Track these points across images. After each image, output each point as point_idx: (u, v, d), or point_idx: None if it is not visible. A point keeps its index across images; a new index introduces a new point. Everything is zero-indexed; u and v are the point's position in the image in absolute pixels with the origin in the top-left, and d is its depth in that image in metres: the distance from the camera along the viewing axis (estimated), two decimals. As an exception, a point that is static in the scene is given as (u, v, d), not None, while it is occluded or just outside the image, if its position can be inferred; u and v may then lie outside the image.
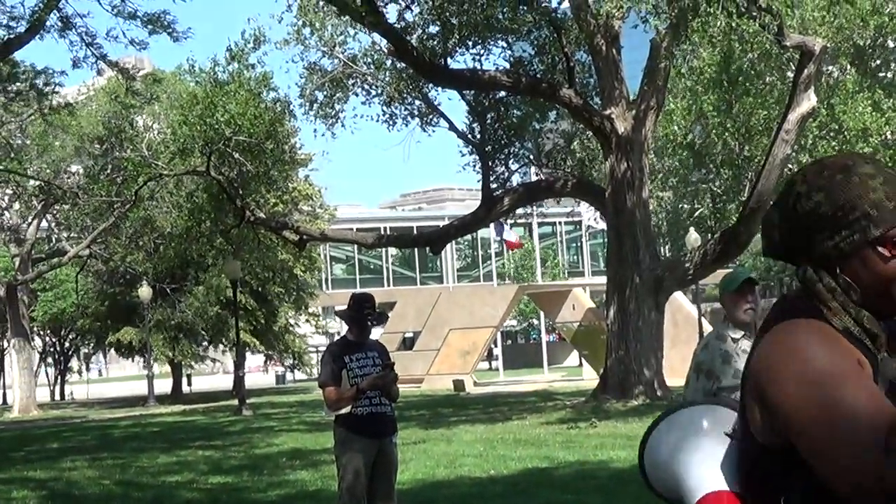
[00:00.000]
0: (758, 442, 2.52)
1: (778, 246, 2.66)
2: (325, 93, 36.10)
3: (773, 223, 2.66)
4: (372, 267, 78.72)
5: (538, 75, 31.64)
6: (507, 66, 32.98)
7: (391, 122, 35.75)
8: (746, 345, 6.87)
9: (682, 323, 38.32)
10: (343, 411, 8.94)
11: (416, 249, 66.25)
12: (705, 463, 2.72)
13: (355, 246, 61.25)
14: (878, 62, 47.55)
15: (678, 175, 47.71)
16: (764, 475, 2.53)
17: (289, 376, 69.55)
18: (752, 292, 7.10)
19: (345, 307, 9.27)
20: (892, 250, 2.47)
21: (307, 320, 58.37)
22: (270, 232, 37.63)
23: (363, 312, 9.10)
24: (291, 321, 56.23)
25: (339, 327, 55.41)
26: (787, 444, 2.41)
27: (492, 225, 43.68)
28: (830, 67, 41.02)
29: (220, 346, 55.75)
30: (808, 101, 26.20)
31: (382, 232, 53.51)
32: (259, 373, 66.15)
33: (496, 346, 59.67)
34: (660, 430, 2.88)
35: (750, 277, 7.17)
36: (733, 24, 24.06)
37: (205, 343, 53.79)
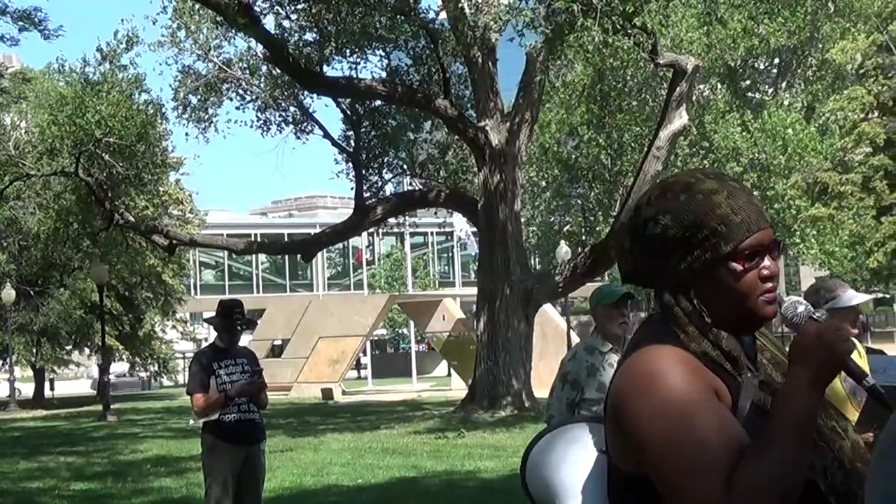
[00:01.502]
0: (615, 465, 2.55)
1: (633, 272, 2.65)
2: (198, 96, 35.75)
3: (624, 249, 2.65)
4: (242, 273, 77.96)
5: (414, 85, 31.65)
6: (384, 75, 32.95)
7: (265, 128, 35.53)
8: (614, 358, 6.97)
9: (551, 335, 38.61)
10: (211, 418, 8.84)
11: (286, 256, 65.79)
12: (579, 482, 2.73)
13: (225, 252, 60.61)
14: (748, 83, 48.66)
15: (551, 188, 48.17)
16: (624, 496, 2.55)
17: (154, 382, 68.49)
18: (626, 306, 7.19)
19: (214, 314, 9.17)
20: (744, 263, 2.49)
21: (174, 326, 57.55)
22: (139, 236, 37.05)
23: (232, 319, 9.01)
24: (158, 327, 55.38)
25: (207, 333, 54.86)
26: (640, 471, 2.44)
27: (364, 234, 43.61)
28: (702, 86, 41.79)
29: (85, 351, 54.66)
30: (680, 118, 26.56)
31: (253, 238, 53.12)
32: (125, 377, 65.02)
33: (365, 355, 59.45)
34: (543, 444, 2.89)
35: (628, 292, 7.23)
36: (609, 41, 24.36)
37: (68, 347, 52.68)
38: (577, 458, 2.77)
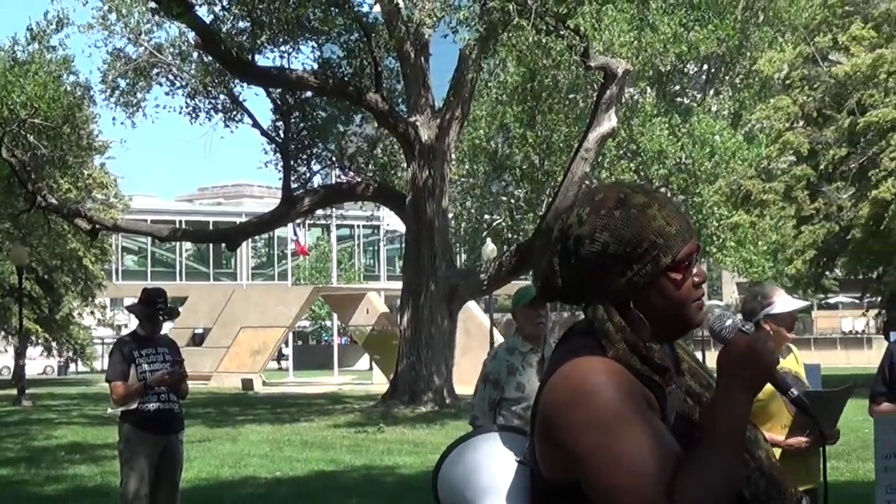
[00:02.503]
0: (542, 474, 2.54)
1: (557, 290, 2.63)
2: (127, 80, 35.40)
3: (552, 268, 2.63)
4: (165, 260, 77.30)
5: (346, 78, 31.58)
6: (316, 66, 32.84)
7: (194, 115, 35.26)
8: (533, 359, 7.04)
9: (474, 332, 38.71)
10: (130, 407, 8.77)
11: (211, 245, 65.35)
12: (497, 491, 2.72)
13: (149, 238, 60.06)
14: (677, 88, 49.08)
15: (479, 185, 48.26)
16: None
17: (72, 367, 67.75)
18: (543, 307, 7.23)
19: (135, 301, 9.10)
20: (683, 273, 2.53)
21: (92, 312, 56.94)
22: (62, 219, 36.67)
23: (155, 308, 8.95)
24: (76, 312, 54.75)
25: (128, 320, 54.25)
26: (571, 482, 2.43)
27: (290, 225, 43.50)
28: (631, 90, 42.10)
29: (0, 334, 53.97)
30: (609, 121, 26.77)
31: (178, 225, 52.69)
32: (41, 361, 64.16)
33: (287, 346, 59.29)
34: (456, 452, 2.88)
35: None
36: (542, 42, 24.45)
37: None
38: (492, 469, 2.77)
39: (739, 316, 2.64)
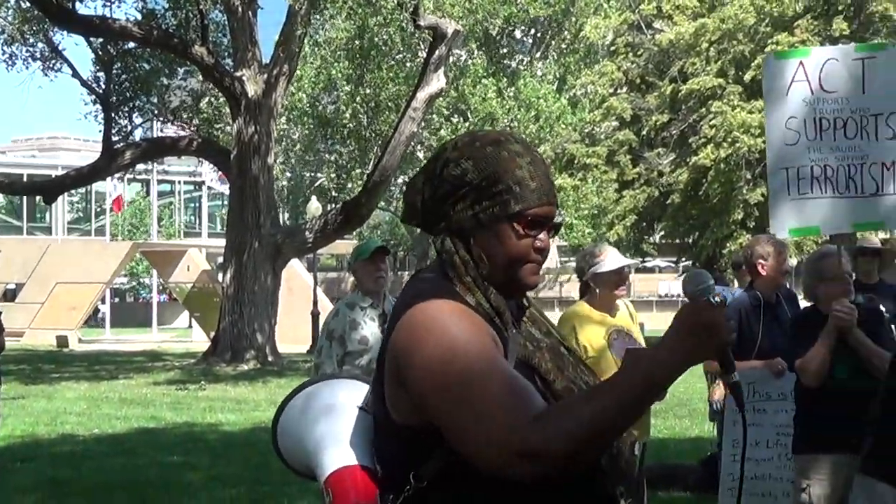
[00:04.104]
0: (393, 419, 2.55)
1: (417, 212, 2.69)
2: (-63, 24, 34.05)
3: (416, 188, 2.69)
4: (-26, 212, 74.94)
5: (170, 30, 30.94)
6: (139, 17, 32.07)
7: (10, 63, 34.07)
8: (374, 313, 7.10)
9: (297, 291, 38.48)
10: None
11: (24, 197, 63.51)
12: (338, 438, 2.74)
13: (-40, 190, 58.10)
14: (505, 51, 49.50)
15: (305, 143, 47.99)
16: (398, 451, 2.57)
17: None
18: (382, 261, 7.30)
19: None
20: (525, 229, 2.56)
21: None
22: None
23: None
24: None
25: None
26: (425, 424, 2.45)
27: (109, 179, 42.55)
28: (460, 51, 42.29)
29: None
30: (438, 81, 26.87)
31: (-9, 176, 51.02)
32: None
33: (104, 303, 58.14)
34: (294, 403, 2.89)
35: (382, 246, 7.35)
36: (372, -1, 24.32)
37: None
38: (333, 417, 2.79)
39: (713, 282, 2.49)
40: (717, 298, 2.41)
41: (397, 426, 2.55)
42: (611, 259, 6.56)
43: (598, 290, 6.59)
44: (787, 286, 8.70)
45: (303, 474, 2.88)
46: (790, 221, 6.80)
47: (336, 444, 2.73)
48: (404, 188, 2.81)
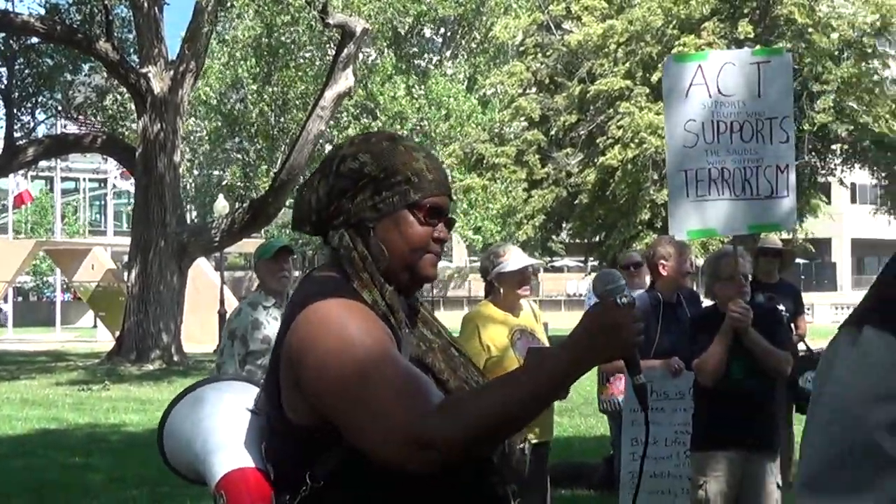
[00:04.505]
0: (289, 419, 2.57)
1: (312, 211, 2.71)
2: None
3: (311, 187, 2.72)
4: None
5: (75, 25, 30.54)
6: (43, 11, 31.65)
7: None
8: (277, 313, 7.13)
9: (204, 289, 38.16)
10: None
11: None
12: (229, 440, 2.74)
13: None
14: (415, 49, 49.57)
15: (211, 140, 47.65)
16: (294, 452, 2.58)
17: None
18: (286, 261, 7.35)
19: None
20: (424, 218, 2.64)
21: None
22: None
23: None
24: None
25: None
26: (321, 423, 2.48)
27: (12, 176, 41.91)
28: (369, 49, 42.27)
29: None
30: (346, 80, 26.86)
31: None
32: None
33: (6, 302, 57.22)
34: (182, 406, 2.89)
35: (285, 245, 7.39)
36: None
37: None
38: (221, 420, 2.78)
39: (623, 282, 2.52)
40: (624, 300, 2.44)
41: (293, 426, 2.55)
42: (514, 259, 6.63)
43: (501, 290, 6.66)
44: (690, 286, 8.83)
45: (187, 478, 2.88)
46: (689, 223, 6.88)
47: (226, 447, 2.72)
48: (296, 191, 2.85)
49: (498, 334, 6.56)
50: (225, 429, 2.76)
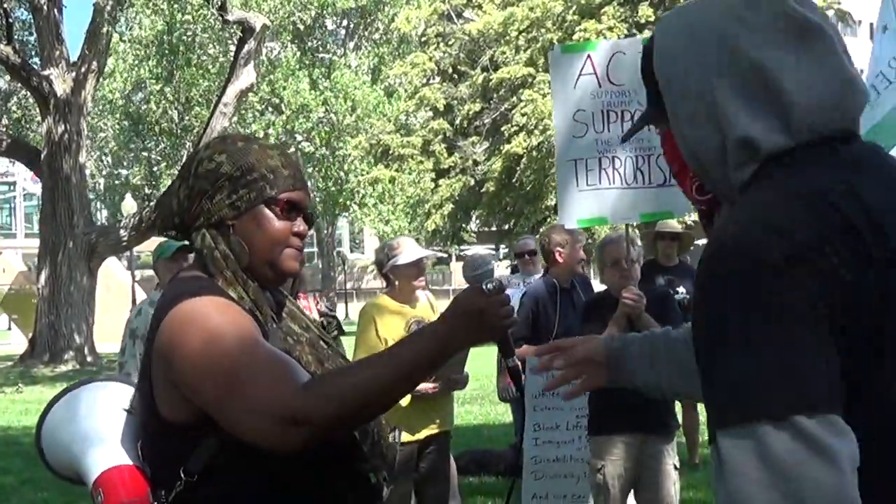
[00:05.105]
0: (162, 417, 2.63)
1: (174, 214, 2.79)
2: None
3: (172, 191, 2.80)
4: None
5: (-26, 30, 30.34)
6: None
7: None
8: None
9: (115, 289, 38.07)
10: None
11: None
12: (105, 439, 2.78)
13: None
14: (318, 43, 49.50)
15: (117, 140, 47.32)
16: (168, 448, 2.64)
17: None
18: (185, 259, 7.37)
19: None
20: (282, 213, 2.73)
21: None
22: None
23: None
24: None
25: None
26: (194, 418, 2.56)
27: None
28: (273, 44, 42.23)
29: None
30: (248, 76, 27.00)
31: None
32: None
33: (-83, 308, 56.37)
34: (58, 408, 2.92)
35: (184, 245, 7.41)
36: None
37: None
38: (98, 419, 2.83)
39: (491, 267, 2.65)
40: (490, 285, 2.50)
41: (166, 423, 2.61)
42: (408, 251, 6.80)
43: (397, 282, 6.85)
44: (583, 273, 9.10)
45: (68, 478, 2.91)
46: (579, 212, 6.90)
47: (103, 446, 2.76)
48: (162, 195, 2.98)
49: (394, 326, 6.71)
50: (101, 428, 2.80)
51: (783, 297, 1.62)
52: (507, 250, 49.07)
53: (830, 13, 37.52)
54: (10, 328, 47.13)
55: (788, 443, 1.57)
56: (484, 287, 2.50)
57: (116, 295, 37.05)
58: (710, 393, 1.67)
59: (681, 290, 9.48)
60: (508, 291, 2.71)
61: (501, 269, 39.65)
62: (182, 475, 2.57)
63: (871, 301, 1.66)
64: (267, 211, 2.71)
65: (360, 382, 2.46)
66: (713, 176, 1.96)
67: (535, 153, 36.16)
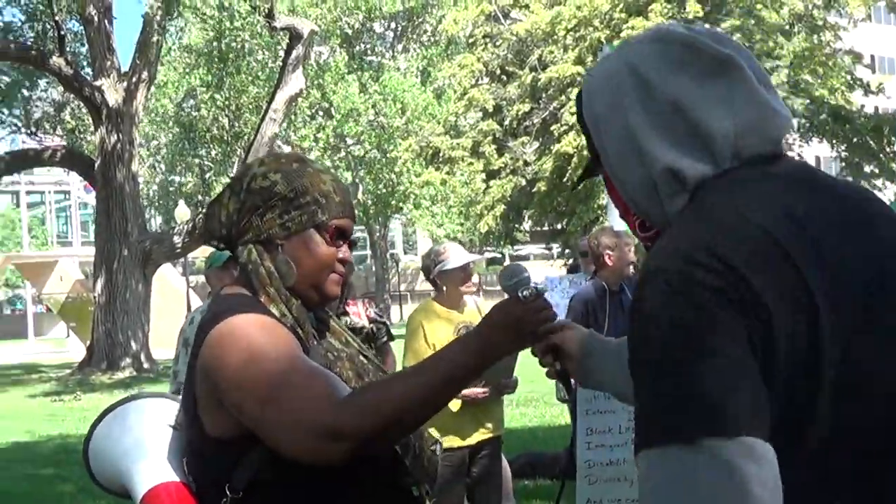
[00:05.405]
0: (206, 433, 2.63)
1: (221, 225, 2.79)
2: None
3: (221, 202, 2.80)
4: None
5: (28, 42, 30.72)
6: (-5, 31, 31.79)
7: None
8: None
9: (170, 295, 38.37)
10: None
11: None
12: (152, 455, 2.79)
13: None
14: (367, 47, 49.63)
15: (169, 148, 47.67)
16: (213, 465, 2.64)
17: None
18: (236, 268, 7.45)
19: None
20: (331, 238, 2.74)
21: None
22: None
23: None
24: None
25: None
26: (238, 435, 2.55)
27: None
28: (321, 49, 42.38)
29: None
30: (297, 81, 27.16)
31: None
32: None
33: (-21, 316, 57.28)
34: (105, 423, 2.95)
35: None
36: (225, 4, 24.47)
37: None
38: (144, 435, 2.85)
39: (527, 275, 2.62)
40: (525, 292, 2.51)
41: (210, 439, 2.61)
42: (455, 256, 6.82)
43: (444, 288, 6.86)
44: (632, 274, 9.10)
45: (114, 492, 2.93)
46: None
47: (149, 461, 2.77)
48: (209, 204, 2.99)
49: (443, 331, 6.71)
50: (148, 444, 2.81)
51: (703, 324, 1.63)
52: (560, 249, 49.00)
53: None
54: (68, 336, 47.70)
55: (700, 465, 1.58)
56: (520, 295, 2.52)
57: (171, 301, 37.36)
58: (636, 412, 1.69)
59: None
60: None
61: (556, 269, 39.59)
62: (227, 492, 2.58)
63: (803, 329, 1.65)
64: (317, 235, 2.73)
65: (395, 396, 2.46)
66: (649, 210, 1.98)
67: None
